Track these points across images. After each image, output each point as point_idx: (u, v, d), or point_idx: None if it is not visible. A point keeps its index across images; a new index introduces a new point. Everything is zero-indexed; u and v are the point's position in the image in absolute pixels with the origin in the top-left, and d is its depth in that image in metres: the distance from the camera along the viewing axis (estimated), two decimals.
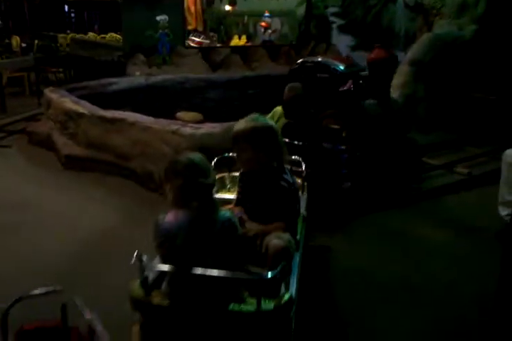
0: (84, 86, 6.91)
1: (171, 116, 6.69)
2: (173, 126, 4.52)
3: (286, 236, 2.25)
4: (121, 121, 4.89)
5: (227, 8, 13.02)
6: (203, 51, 11.22)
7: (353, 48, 12.54)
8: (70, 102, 5.53)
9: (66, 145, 5.40)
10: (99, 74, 7.99)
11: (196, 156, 1.95)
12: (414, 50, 6.23)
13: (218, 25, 12.88)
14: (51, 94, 5.99)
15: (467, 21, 6.23)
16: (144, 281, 1.86)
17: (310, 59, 4.84)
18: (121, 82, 7.36)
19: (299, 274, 2.26)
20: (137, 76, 8.29)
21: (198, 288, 1.85)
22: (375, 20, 11.98)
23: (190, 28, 12.45)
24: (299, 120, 3.90)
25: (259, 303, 1.77)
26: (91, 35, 15.24)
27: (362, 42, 12.34)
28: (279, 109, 4.13)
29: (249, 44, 12.78)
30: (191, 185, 1.88)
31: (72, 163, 5.24)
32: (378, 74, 4.41)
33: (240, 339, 1.88)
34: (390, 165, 4.29)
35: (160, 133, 4.54)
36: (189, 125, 4.61)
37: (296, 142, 3.62)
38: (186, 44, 11.20)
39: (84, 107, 5.36)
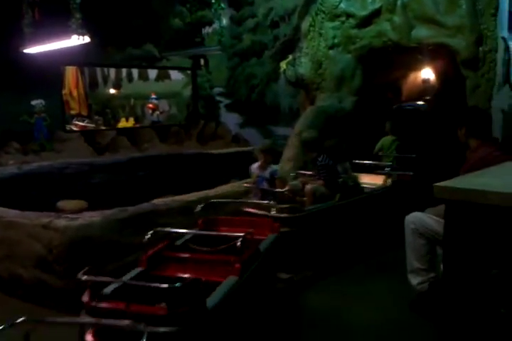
0: None
1: (51, 206, 5.98)
2: (43, 218, 3.87)
3: (317, 186, 4.58)
4: None
5: (112, 91, 12.82)
6: (87, 135, 10.69)
7: (241, 125, 12.81)
8: None
9: None
10: None
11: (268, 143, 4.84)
12: (300, 123, 6.31)
13: (104, 109, 12.55)
14: None
15: (346, 93, 6.51)
16: None
17: (403, 104, 7.18)
18: None
19: None
20: (10, 165, 7.48)
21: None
22: (259, 98, 12.44)
23: (73, 112, 11.94)
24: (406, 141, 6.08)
25: None
26: None
27: (249, 120, 12.66)
28: (386, 139, 6.17)
29: (137, 125, 12.51)
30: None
31: None
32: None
33: None
34: None
35: (28, 229, 3.86)
36: (63, 216, 3.99)
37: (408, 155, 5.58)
38: (68, 128, 10.61)
39: None
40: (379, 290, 3.92)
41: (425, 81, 7.21)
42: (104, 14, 10.10)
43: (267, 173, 4.49)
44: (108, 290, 2.31)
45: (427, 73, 7.16)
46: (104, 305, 2.17)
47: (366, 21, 6.41)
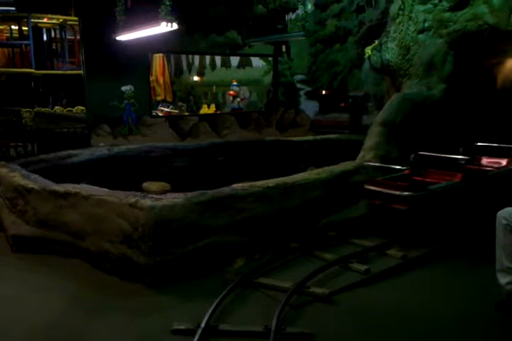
0: (41, 159, 6.45)
1: (136, 187, 6.27)
2: (130, 198, 4.06)
3: None
4: (75, 195, 4.41)
5: (196, 78, 13.16)
6: (171, 120, 11.06)
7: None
8: (19, 177, 5.03)
9: (14, 225, 4.83)
10: (62, 147, 7.62)
11: None
12: (384, 111, 6.08)
13: (187, 96, 12.92)
14: (1, 168, 5.50)
15: (436, 80, 6.19)
16: None
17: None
18: (82, 154, 6.92)
19: None
20: (100, 147, 7.92)
21: None
22: (341, 86, 12.17)
23: (159, 98, 12.42)
24: None
25: None
26: (57, 108, 15.09)
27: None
28: None
29: (218, 112, 12.77)
30: None
31: (20, 245, 4.67)
32: None
33: None
34: None
35: (116, 207, 4.06)
36: (149, 196, 4.16)
37: None
38: (154, 113, 11.05)
39: (34, 182, 4.87)
40: None
41: None
42: (189, 2, 10.32)
43: None
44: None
45: None
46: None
47: (461, 4, 6.02)
